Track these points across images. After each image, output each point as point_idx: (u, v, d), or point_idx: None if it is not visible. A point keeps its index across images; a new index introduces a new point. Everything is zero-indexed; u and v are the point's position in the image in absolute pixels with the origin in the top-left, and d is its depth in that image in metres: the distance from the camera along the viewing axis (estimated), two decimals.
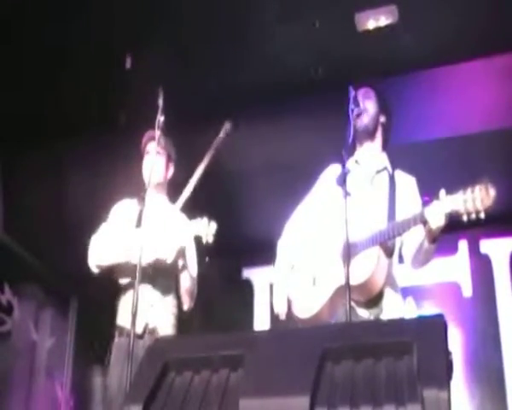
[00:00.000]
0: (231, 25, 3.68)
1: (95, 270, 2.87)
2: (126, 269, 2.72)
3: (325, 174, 2.72)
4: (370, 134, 2.65)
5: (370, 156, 2.65)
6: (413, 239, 2.43)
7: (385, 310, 2.41)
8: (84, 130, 4.30)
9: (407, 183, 2.58)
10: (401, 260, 2.55)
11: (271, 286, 4.96)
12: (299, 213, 2.76)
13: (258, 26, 3.69)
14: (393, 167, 2.64)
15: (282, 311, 2.58)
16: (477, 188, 2.12)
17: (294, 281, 2.60)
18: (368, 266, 2.34)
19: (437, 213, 2.22)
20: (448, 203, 2.19)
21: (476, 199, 2.10)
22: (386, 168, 2.62)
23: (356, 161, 2.66)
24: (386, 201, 2.51)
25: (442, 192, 2.24)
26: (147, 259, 2.66)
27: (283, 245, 2.73)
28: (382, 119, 2.69)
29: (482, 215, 2.11)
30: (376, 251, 2.38)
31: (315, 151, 3.94)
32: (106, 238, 2.86)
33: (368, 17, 3.64)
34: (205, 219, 2.64)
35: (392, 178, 2.59)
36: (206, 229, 2.61)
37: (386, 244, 2.40)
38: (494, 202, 2.10)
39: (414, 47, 3.73)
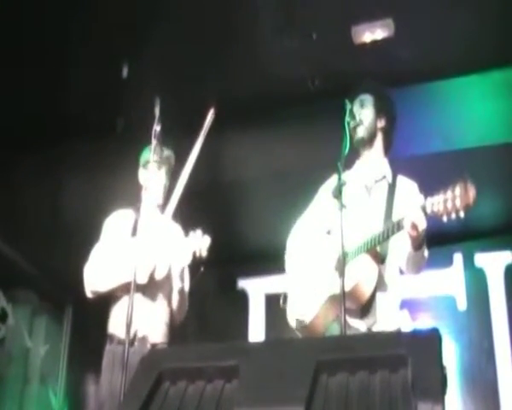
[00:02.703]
0: (229, 36, 3.71)
1: (90, 295, 2.84)
2: (123, 287, 2.70)
3: (327, 183, 2.72)
4: (368, 143, 2.65)
5: (370, 165, 2.65)
6: (402, 247, 2.41)
7: (379, 319, 2.40)
8: (81, 134, 4.30)
9: (407, 189, 2.56)
10: (401, 271, 2.55)
11: (266, 297, 4.99)
12: (301, 223, 2.76)
13: (255, 38, 3.71)
14: (395, 174, 2.62)
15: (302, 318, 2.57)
16: (457, 186, 2.07)
17: (297, 293, 2.61)
18: (355, 274, 2.34)
19: (411, 217, 2.19)
20: (427, 207, 2.16)
21: (456, 198, 2.05)
22: (385, 177, 2.61)
23: (356, 171, 2.67)
24: (383, 210, 2.51)
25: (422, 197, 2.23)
26: (142, 278, 2.65)
27: (290, 262, 2.72)
28: (381, 123, 2.66)
29: (462, 214, 2.06)
30: (364, 259, 2.39)
31: (312, 163, 3.96)
32: (100, 264, 2.81)
33: (364, 30, 3.67)
34: (198, 232, 2.61)
35: (391, 186, 2.57)
36: (200, 243, 2.59)
37: (375, 251, 2.40)
38: (474, 201, 2.03)
39: (410, 60, 3.76)
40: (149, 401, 1.46)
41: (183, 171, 2.90)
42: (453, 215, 2.06)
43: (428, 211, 2.15)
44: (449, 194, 2.08)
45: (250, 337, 4.93)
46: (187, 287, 2.91)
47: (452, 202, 2.05)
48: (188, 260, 2.66)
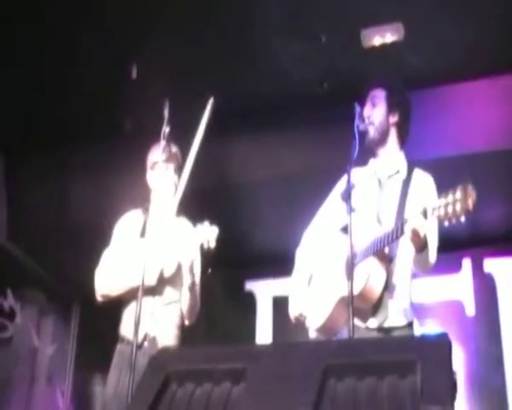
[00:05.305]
0: (237, 38, 3.70)
1: (100, 299, 2.85)
2: (133, 291, 2.67)
3: (344, 179, 2.68)
4: (381, 141, 2.64)
5: (384, 162, 2.64)
6: (408, 249, 2.41)
7: (390, 316, 2.42)
8: (88, 135, 4.31)
9: (423, 183, 2.56)
10: (414, 274, 2.55)
11: (274, 299, 4.99)
12: (316, 221, 2.77)
13: (264, 39, 3.71)
14: (411, 167, 2.60)
15: (297, 316, 2.60)
16: (458, 190, 2.04)
17: (309, 293, 2.62)
18: (363, 276, 2.34)
19: (411, 224, 2.20)
20: (428, 212, 2.14)
21: (456, 202, 2.03)
22: (398, 172, 2.60)
23: (370, 167, 2.66)
24: (395, 206, 2.51)
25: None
26: (151, 280, 2.66)
27: (301, 255, 2.73)
28: (394, 118, 2.65)
29: (462, 219, 2.03)
30: (371, 260, 2.39)
31: (321, 166, 3.95)
32: (110, 269, 2.81)
33: (374, 34, 3.66)
34: (206, 223, 2.58)
35: (406, 181, 2.56)
36: (208, 233, 2.57)
37: (383, 252, 2.40)
38: (474, 206, 2.01)
39: (419, 65, 3.74)
40: (157, 402, 1.46)
41: (186, 164, 2.87)
42: (453, 220, 2.05)
43: (429, 216, 2.14)
44: (450, 198, 2.06)
45: (257, 340, 4.92)
46: (198, 281, 2.86)
47: (453, 206, 2.04)
48: (196, 252, 2.64)
